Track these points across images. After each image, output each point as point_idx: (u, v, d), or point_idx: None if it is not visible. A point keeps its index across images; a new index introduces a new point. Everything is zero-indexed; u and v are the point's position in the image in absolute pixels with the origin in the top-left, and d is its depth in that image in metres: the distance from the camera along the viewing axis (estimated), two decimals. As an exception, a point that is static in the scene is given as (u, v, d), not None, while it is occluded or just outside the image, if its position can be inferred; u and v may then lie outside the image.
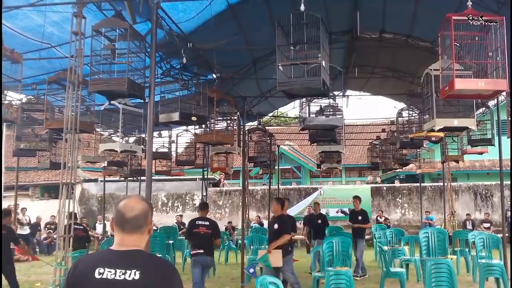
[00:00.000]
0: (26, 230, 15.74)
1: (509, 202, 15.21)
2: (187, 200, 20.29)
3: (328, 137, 9.91)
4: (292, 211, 17.08)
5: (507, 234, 11.47)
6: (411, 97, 9.80)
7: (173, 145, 13.09)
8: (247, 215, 16.70)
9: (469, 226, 16.38)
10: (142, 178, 13.56)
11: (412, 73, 10.77)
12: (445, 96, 5.05)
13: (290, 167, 29.20)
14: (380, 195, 19.39)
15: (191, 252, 6.96)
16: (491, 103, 9.91)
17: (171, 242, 11.02)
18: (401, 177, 23.14)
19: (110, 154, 11.92)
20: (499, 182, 9.89)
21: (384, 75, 12.19)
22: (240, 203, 17.64)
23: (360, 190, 18.31)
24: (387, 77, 12.22)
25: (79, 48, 5.61)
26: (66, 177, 5.60)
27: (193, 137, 13.07)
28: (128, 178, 14.59)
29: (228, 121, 9.51)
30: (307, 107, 8.32)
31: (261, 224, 16.81)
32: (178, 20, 7.01)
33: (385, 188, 19.89)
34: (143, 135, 8.91)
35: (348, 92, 13.42)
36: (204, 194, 14.98)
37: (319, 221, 10.76)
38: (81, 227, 8.88)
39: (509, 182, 13.21)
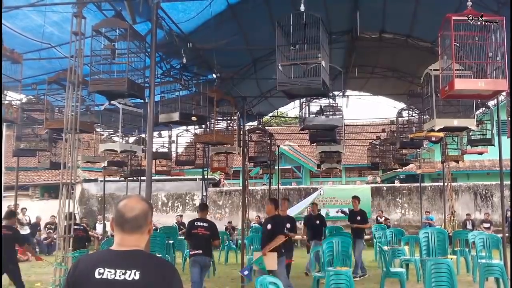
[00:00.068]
0: (26, 230, 15.70)
1: (509, 202, 15.20)
2: (187, 200, 20.28)
3: (328, 137, 9.91)
4: (292, 211, 17.04)
5: (507, 234, 11.46)
6: (411, 97, 9.80)
7: (173, 145, 13.09)
8: (247, 215, 16.68)
9: (469, 226, 16.37)
10: (142, 178, 13.55)
11: (412, 73, 10.77)
12: (445, 96, 5.05)
13: (290, 167, 29.19)
14: (380, 195, 19.38)
15: (190, 253, 7.01)
16: (491, 103, 9.91)
17: (171, 242, 11.03)
18: (401, 177, 23.13)
19: (110, 154, 11.90)
20: (499, 182, 9.89)
21: (384, 75, 12.18)
22: (240, 203, 17.63)
23: (360, 190, 18.32)
24: (387, 77, 12.21)
25: (79, 48, 5.62)
26: (66, 177, 5.60)
27: (193, 137, 13.07)
28: (128, 178, 14.58)
29: (228, 121, 9.52)
30: (307, 107, 8.32)
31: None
32: (178, 20, 7.01)
33: (385, 188, 19.88)
34: (143, 135, 8.91)
35: (348, 92, 13.39)
36: (204, 194, 14.96)
37: (317, 222, 10.51)
38: (81, 227, 8.88)
39: (509, 182, 13.20)
